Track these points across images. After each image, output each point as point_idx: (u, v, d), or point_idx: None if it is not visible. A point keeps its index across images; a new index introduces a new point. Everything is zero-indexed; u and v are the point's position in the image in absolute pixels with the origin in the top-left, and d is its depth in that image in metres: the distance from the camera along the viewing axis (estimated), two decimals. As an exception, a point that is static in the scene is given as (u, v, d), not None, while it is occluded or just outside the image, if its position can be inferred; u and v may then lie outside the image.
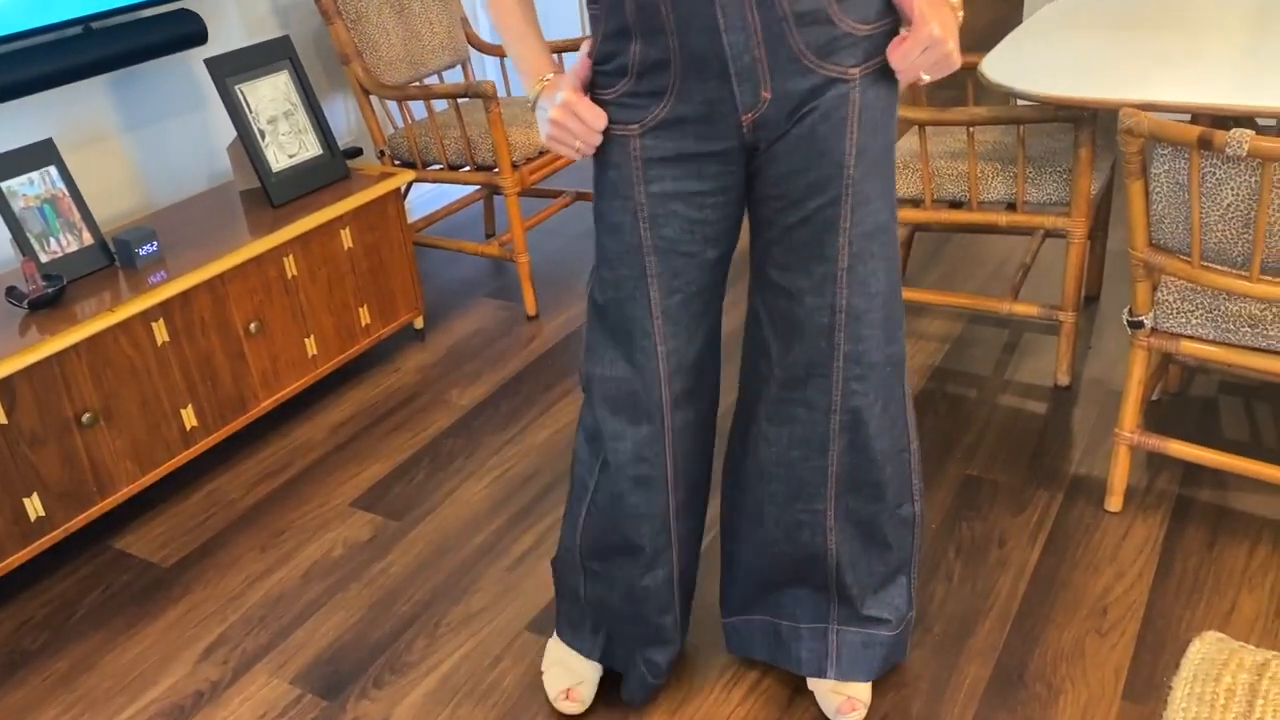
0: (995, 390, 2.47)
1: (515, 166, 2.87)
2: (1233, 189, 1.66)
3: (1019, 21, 5.39)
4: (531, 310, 3.01)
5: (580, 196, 3.39)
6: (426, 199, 3.60)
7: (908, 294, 2.61)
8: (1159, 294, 1.91)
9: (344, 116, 3.25)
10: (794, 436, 1.51)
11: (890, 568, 1.61)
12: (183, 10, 2.56)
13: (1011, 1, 6.07)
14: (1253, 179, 1.64)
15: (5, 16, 2.20)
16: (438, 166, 3.01)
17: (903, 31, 1.31)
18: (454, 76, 3.38)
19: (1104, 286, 2.85)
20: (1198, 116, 2.07)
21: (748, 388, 1.57)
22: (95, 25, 2.44)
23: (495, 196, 3.54)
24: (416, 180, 2.95)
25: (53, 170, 2.24)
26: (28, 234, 2.19)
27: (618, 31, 1.30)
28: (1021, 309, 2.46)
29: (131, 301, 2.14)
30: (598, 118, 1.34)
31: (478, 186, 3.42)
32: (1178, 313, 1.87)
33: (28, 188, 2.20)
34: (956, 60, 1.28)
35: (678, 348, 1.47)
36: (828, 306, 1.41)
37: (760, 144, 1.35)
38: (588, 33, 1.32)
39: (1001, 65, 2.22)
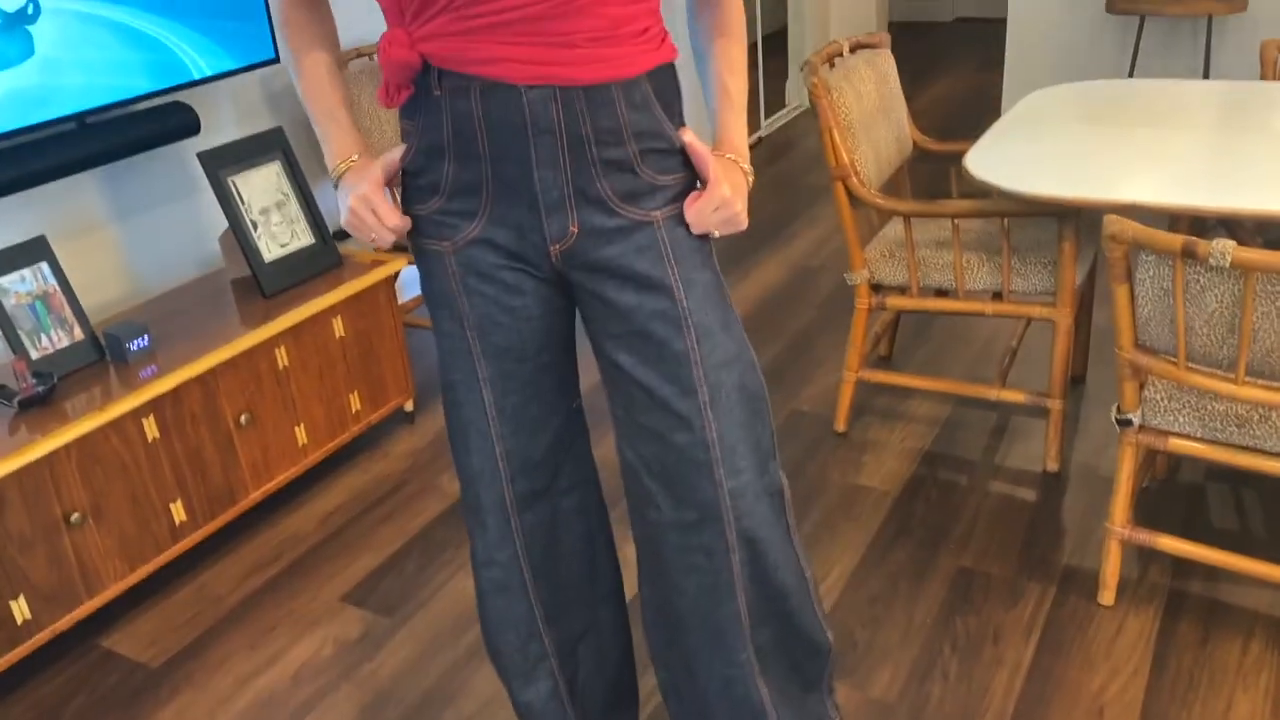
0: (985, 476, 2.48)
1: (505, 251, 2.89)
2: (1216, 295, 1.69)
3: (996, 93, 5.49)
4: (521, 392, 3.01)
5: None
6: (417, 276, 3.61)
7: (897, 377, 2.63)
8: (1146, 392, 1.93)
9: (336, 198, 3.27)
10: (702, 585, 1.45)
11: (805, 690, 1.58)
12: (176, 102, 2.58)
13: (989, 76, 6.18)
14: (1235, 287, 1.67)
15: (2, 115, 2.21)
16: (428, 250, 3.02)
17: (698, 188, 1.39)
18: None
19: (1090, 367, 2.88)
20: (1177, 217, 2.11)
21: (644, 541, 1.51)
22: (90, 120, 2.45)
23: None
24: (406, 264, 2.96)
25: (45, 266, 2.25)
26: (19, 331, 2.18)
27: (431, 149, 1.33)
28: (1009, 396, 2.48)
29: (122, 399, 2.14)
30: (391, 215, 1.34)
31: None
32: (1165, 411, 1.90)
33: (19, 285, 2.21)
34: (743, 221, 1.38)
35: (518, 447, 1.46)
36: (700, 443, 1.38)
37: (570, 274, 1.37)
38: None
39: (985, 160, 2.27)
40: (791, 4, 5.72)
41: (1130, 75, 3.68)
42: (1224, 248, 1.60)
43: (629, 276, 1.35)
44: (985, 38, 7.26)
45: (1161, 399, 1.90)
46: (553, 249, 1.34)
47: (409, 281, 3.57)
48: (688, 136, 1.35)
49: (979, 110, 5.46)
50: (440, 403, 3.03)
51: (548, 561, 1.54)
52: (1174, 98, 2.58)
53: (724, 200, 1.35)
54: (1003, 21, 7.05)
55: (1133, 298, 1.81)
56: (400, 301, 3.39)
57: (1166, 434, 1.92)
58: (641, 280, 1.35)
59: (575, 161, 1.29)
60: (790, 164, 4.99)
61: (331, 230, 3.24)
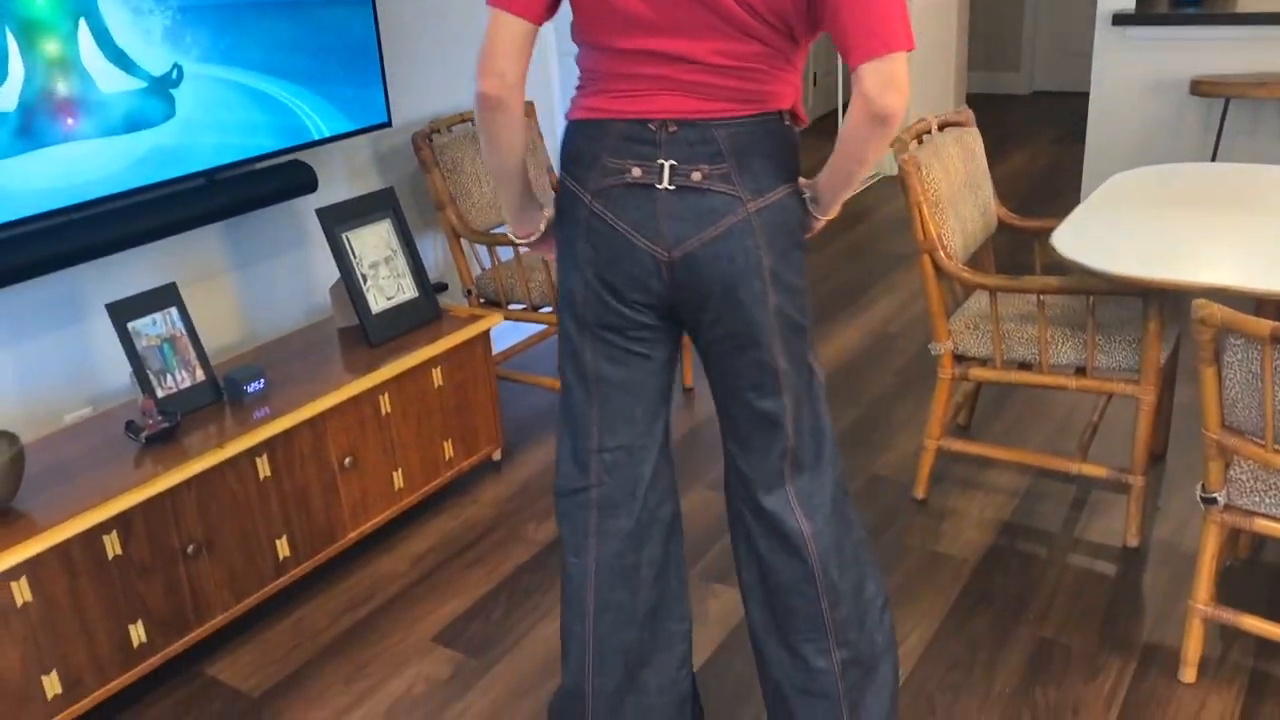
0: (1065, 549, 2.51)
1: (596, 309, 3.00)
2: (1305, 381, 1.72)
3: (1073, 167, 5.53)
4: (605, 447, 3.10)
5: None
6: (507, 331, 3.74)
7: (978, 447, 2.68)
8: (1232, 472, 1.96)
9: (434, 252, 3.42)
10: None
11: None
12: (295, 161, 2.75)
13: (1067, 150, 6.21)
14: (1325, 373, 1.70)
15: (139, 170, 2.39)
16: (521, 306, 3.15)
17: None
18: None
19: (1170, 443, 2.89)
20: (1264, 302, 2.14)
21: None
22: (219, 176, 2.62)
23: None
24: (502, 319, 3.09)
25: (174, 312, 2.41)
26: (148, 371, 2.34)
27: None
28: (1090, 470, 2.51)
29: (239, 438, 2.27)
30: None
31: (554, 321, 3.56)
32: (1251, 491, 1.92)
33: (151, 328, 2.36)
34: None
35: None
36: None
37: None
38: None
39: (1072, 240, 2.32)
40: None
41: (1214, 158, 3.72)
42: (1314, 335, 1.64)
43: None
44: (1062, 111, 7.30)
45: (1247, 479, 1.93)
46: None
47: (500, 334, 3.70)
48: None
49: (1057, 184, 5.50)
50: (525, 453, 3.12)
51: None
52: (1258, 182, 2.62)
53: None
54: (1079, 96, 7.10)
55: (1220, 379, 1.85)
56: (493, 353, 3.52)
57: (1252, 514, 1.94)
58: None
59: None
60: (867, 231, 5.07)
61: (431, 279, 3.39)
